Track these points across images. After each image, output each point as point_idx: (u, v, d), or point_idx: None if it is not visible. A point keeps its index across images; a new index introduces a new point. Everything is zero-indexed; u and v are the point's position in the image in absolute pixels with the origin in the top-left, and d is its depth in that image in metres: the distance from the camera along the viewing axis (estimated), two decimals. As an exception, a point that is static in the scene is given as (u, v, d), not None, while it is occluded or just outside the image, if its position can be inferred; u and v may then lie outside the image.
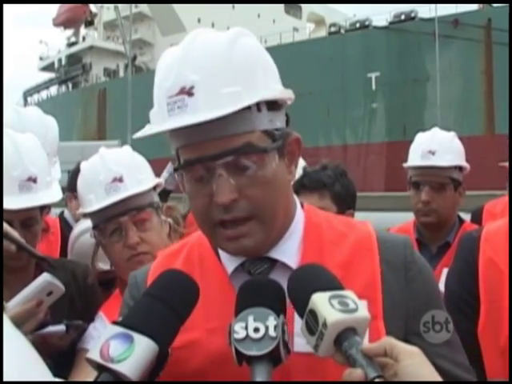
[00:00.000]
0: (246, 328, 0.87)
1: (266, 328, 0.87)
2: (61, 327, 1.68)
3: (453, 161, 2.61)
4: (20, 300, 1.56)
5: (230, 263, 1.10)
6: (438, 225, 2.64)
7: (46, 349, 1.67)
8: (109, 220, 1.78)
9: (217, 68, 0.98)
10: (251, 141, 0.99)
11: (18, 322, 1.47)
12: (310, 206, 1.19)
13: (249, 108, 0.98)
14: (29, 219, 1.80)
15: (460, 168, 2.67)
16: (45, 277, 1.62)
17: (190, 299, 0.97)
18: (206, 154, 0.99)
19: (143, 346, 0.87)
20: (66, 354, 1.68)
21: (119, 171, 1.81)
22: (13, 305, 1.52)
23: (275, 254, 1.08)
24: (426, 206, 2.60)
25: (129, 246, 1.77)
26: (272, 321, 0.88)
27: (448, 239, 2.61)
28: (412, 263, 1.09)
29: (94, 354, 0.87)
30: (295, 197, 1.16)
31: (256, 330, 0.87)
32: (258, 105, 1.00)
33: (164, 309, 0.92)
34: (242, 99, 0.96)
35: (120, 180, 1.79)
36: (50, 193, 1.88)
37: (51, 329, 1.68)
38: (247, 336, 0.87)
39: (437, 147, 2.62)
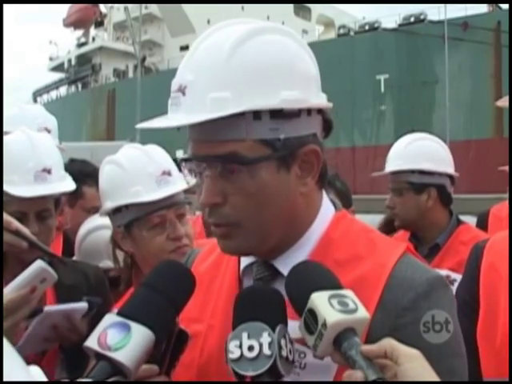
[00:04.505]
0: (241, 346, 0.85)
1: (261, 346, 0.84)
2: (83, 304, 1.68)
3: (402, 165, 2.60)
4: (15, 286, 1.54)
5: (245, 260, 1.08)
6: (408, 228, 2.67)
7: (62, 339, 1.68)
8: (155, 212, 1.80)
9: (211, 69, 0.94)
10: (237, 150, 0.94)
11: (13, 308, 1.47)
12: (344, 216, 1.08)
13: (242, 115, 0.92)
14: (44, 211, 1.82)
15: (423, 171, 2.56)
16: (39, 263, 1.59)
17: (185, 289, 0.97)
18: (197, 153, 0.98)
19: (140, 335, 0.88)
20: (79, 352, 1.67)
21: (167, 166, 1.86)
22: (8, 291, 1.52)
23: (279, 263, 1.03)
24: (391, 211, 2.67)
25: (175, 238, 1.80)
26: (266, 337, 0.85)
27: (437, 241, 2.59)
28: (408, 310, 0.94)
29: (91, 343, 0.88)
30: (326, 206, 1.07)
31: (250, 348, 0.85)
32: (256, 112, 0.93)
33: (160, 298, 0.93)
34: (226, 107, 0.91)
35: (169, 174, 1.84)
36: (65, 184, 1.92)
37: (74, 306, 1.68)
38: (242, 355, 0.85)
39: (390, 154, 2.69)
